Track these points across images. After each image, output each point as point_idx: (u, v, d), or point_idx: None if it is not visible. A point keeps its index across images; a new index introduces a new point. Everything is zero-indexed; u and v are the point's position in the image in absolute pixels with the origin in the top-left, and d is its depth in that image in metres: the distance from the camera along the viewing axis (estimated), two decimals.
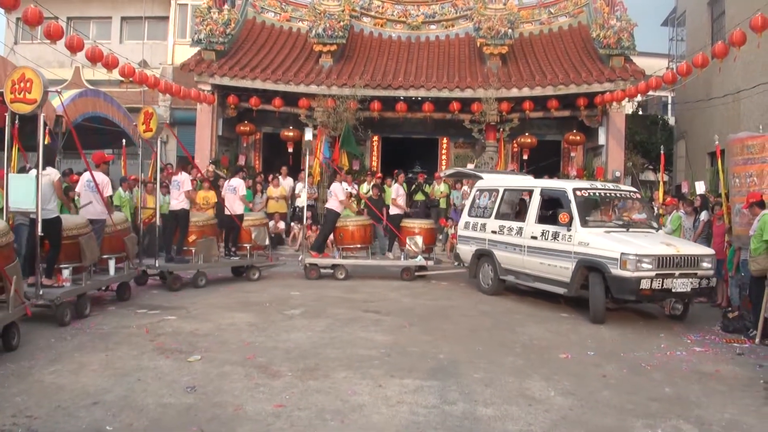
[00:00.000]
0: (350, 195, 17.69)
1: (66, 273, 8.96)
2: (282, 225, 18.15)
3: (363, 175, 19.31)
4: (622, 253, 9.15)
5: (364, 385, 6.17)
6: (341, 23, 19.93)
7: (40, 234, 8.18)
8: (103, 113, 15.59)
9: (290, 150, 20.47)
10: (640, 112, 29.09)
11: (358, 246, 13.71)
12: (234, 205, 12.84)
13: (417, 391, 5.99)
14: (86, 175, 10.30)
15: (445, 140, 21.70)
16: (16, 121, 8.71)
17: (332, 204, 13.56)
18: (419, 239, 13.59)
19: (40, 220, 8.12)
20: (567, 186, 10.92)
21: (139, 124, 11.53)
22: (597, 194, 10.99)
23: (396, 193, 15.08)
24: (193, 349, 7.34)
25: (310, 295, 11.16)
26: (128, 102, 19.57)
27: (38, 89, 7.88)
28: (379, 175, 19.14)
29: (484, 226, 12.28)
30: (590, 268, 9.72)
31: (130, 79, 14.30)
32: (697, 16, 23.32)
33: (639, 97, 20.60)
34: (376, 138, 21.56)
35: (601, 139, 19.70)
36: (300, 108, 19.50)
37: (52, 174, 8.97)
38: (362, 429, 5.04)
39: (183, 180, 11.83)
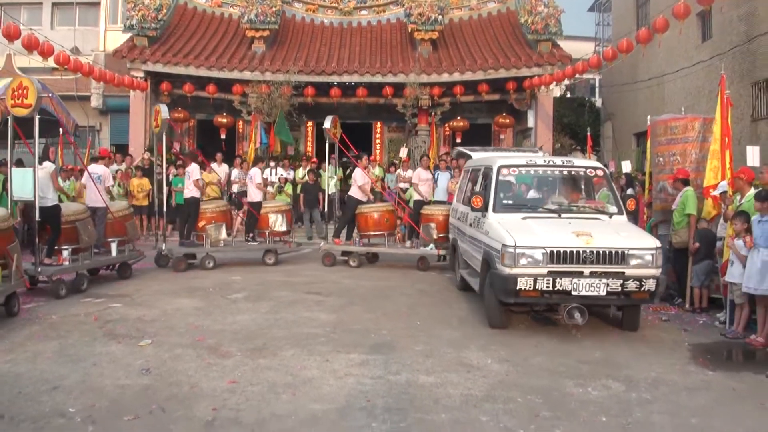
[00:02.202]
0: (286, 180, 17.97)
1: (65, 254, 10.12)
2: None
3: (298, 161, 19.54)
4: (503, 245, 7.54)
5: (311, 360, 6.50)
6: (273, 9, 20.04)
7: (38, 219, 9.50)
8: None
9: (223, 136, 20.54)
10: (568, 95, 30.02)
11: (378, 233, 13.41)
12: (252, 193, 13.60)
13: (363, 365, 6.36)
14: (90, 168, 11.78)
15: (379, 125, 22.10)
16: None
17: (353, 191, 13.56)
18: (433, 226, 12.63)
19: (37, 207, 9.46)
20: (495, 163, 9.20)
21: (151, 122, 12.91)
22: (535, 172, 9.45)
23: (418, 177, 14.16)
24: (143, 334, 7.52)
25: (252, 280, 11.36)
26: (61, 90, 19.33)
27: (33, 95, 9.24)
28: (315, 160, 19.41)
29: (456, 211, 11.35)
30: (487, 262, 8.27)
31: (65, 67, 14.14)
32: (623, 2, 24.25)
33: (566, 81, 21.33)
34: (310, 123, 21.78)
35: (530, 122, 20.37)
36: (234, 94, 19.62)
37: (48, 167, 10.13)
38: (313, 400, 5.39)
39: (192, 170, 12.93)
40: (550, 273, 7.30)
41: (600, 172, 9.26)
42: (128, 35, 19.96)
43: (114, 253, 11.35)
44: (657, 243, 7.64)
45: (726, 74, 9.91)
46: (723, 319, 8.44)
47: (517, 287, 7.28)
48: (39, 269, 9.54)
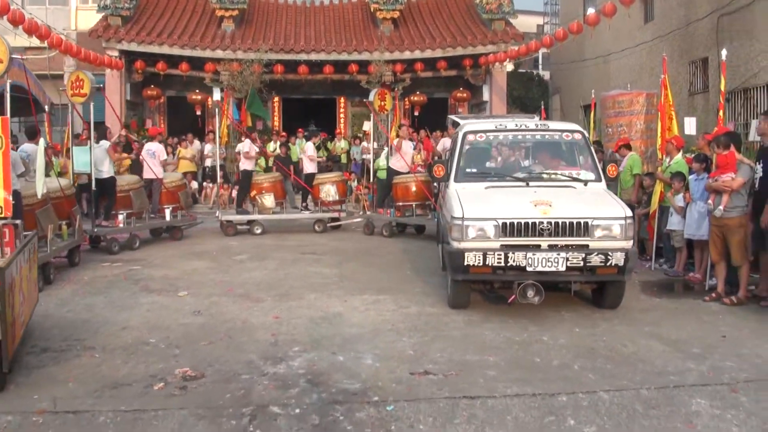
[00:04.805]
0: (262, 153, 19.03)
1: (120, 217, 11.97)
2: (195, 185, 19.23)
3: (268, 135, 20.62)
4: (452, 217, 7.10)
5: (333, 301, 7.81)
6: None
7: (93, 189, 11.42)
8: (18, 81, 16.07)
9: (199, 113, 21.49)
10: (516, 70, 31.59)
11: (408, 203, 13.34)
12: (306, 165, 15.34)
13: (376, 303, 7.70)
14: (147, 145, 13.83)
15: (342, 100, 23.24)
16: None
17: (392, 162, 14.04)
18: None
19: (94, 179, 11.35)
20: (461, 129, 8.80)
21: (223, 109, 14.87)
22: (505, 137, 8.76)
23: (442, 146, 13.80)
24: (176, 288, 8.65)
25: (248, 244, 12.51)
26: (34, 68, 19.82)
27: (88, 86, 11.24)
28: (284, 134, 20.53)
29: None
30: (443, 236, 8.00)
31: (56, 49, 14.96)
32: None
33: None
34: (277, 99, 22.81)
35: (485, 96, 21.91)
36: (206, 72, 20.53)
37: (104, 144, 11.73)
38: (348, 326, 6.72)
39: (244, 145, 14.39)
40: (502, 247, 6.73)
41: (578, 136, 8.41)
42: (96, 14, 20.81)
43: (168, 218, 13.13)
44: (627, 212, 6.96)
45: (666, 54, 11.44)
46: (662, 261, 10.00)
47: (465, 263, 6.71)
48: (95, 230, 11.42)
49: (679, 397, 4.78)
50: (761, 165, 7.52)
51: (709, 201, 7.94)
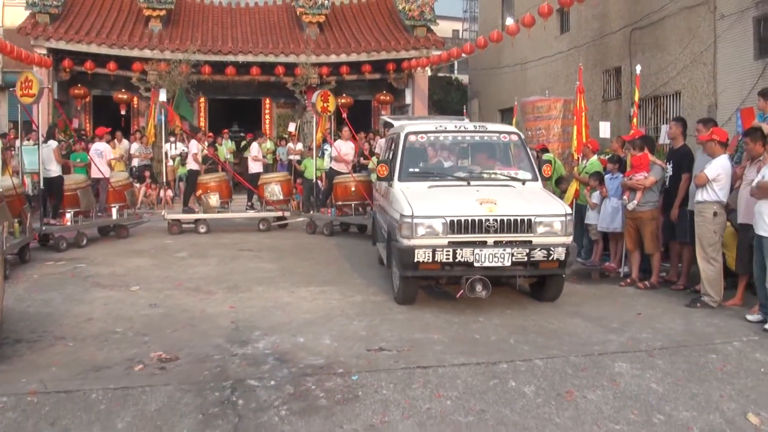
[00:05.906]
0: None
1: (68, 216, 12.18)
2: None
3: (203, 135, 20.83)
4: (401, 215, 7.24)
5: (281, 292, 8.36)
6: None
7: (42, 188, 11.85)
8: None
9: (123, 112, 21.53)
10: (435, 74, 32.62)
11: (347, 203, 13.75)
12: (251, 165, 15.63)
13: (322, 293, 8.30)
14: (95, 145, 14.27)
15: (267, 101, 23.67)
16: None
17: (332, 163, 14.40)
18: None
19: (42, 178, 11.75)
20: (402, 129, 8.94)
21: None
22: (445, 138, 8.98)
23: (379, 147, 14.23)
24: (127, 283, 8.97)
25: (184, 243, 12.82)
26: None
27: (36, 87, 11.31)
28: (210, 134, 20.81)
29: (375, 182, 10.94)
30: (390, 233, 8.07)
31: None
32: None
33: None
34: (203, 99, 23.03)
35: (408, 99, 22.84)
36: (133, 71, 20.61)
37: (51, 144, 12.26)
38: (301, 313, 7.31)
39: (191, 146, 14.58)
40: (450, 244, 7.01)
41: (515, 137, 8.82)
42: (23, 10, 20.71)
43: (114, 216, 13.38)
44: (567, 209, 7.44)
45: (582, 63, 12.43)
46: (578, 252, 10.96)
47: (415, 260, 6.95)
48: (44, 228, 11.67)
49: (604, 362, 5.60)
50: (671, 165, 8.59)
51: (624, 197, 8.91)
